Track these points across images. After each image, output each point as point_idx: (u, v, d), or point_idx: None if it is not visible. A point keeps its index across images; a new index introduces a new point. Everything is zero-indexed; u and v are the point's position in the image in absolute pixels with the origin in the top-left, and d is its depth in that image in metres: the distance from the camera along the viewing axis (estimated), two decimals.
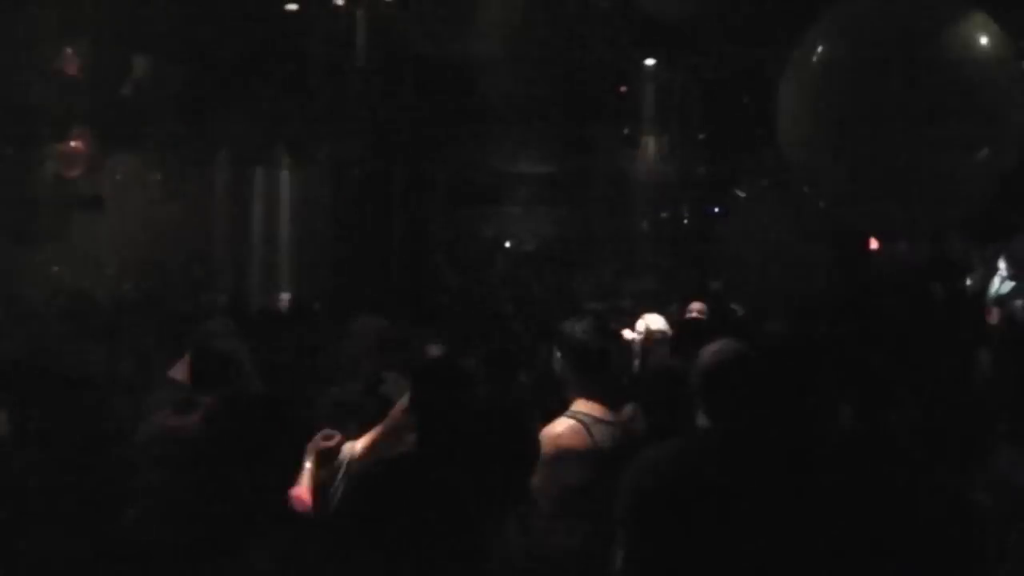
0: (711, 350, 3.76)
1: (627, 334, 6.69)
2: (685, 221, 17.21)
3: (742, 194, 14.15)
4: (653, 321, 7.00)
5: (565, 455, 4.02)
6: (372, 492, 3.24)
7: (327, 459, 4.28)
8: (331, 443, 4.34)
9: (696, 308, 8.09)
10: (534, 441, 3.41)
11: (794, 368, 3.96)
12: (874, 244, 15.00)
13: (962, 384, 5.04)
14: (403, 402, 4.28)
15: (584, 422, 4.18)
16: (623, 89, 15.82)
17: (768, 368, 4.35)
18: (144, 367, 6.18)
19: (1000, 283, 9.89)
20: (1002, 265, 10.07)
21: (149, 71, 11.30)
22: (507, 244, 17.78)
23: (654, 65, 14.90)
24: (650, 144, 15.84)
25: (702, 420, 3.71)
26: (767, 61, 12.89)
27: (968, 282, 10.41)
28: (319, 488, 4.22)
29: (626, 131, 16.20)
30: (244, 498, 3.37)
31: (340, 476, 4.27)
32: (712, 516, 3.14)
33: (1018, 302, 8.10)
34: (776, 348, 5.30)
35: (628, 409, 4.47)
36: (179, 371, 5.68)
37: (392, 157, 13.35)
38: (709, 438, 3.60)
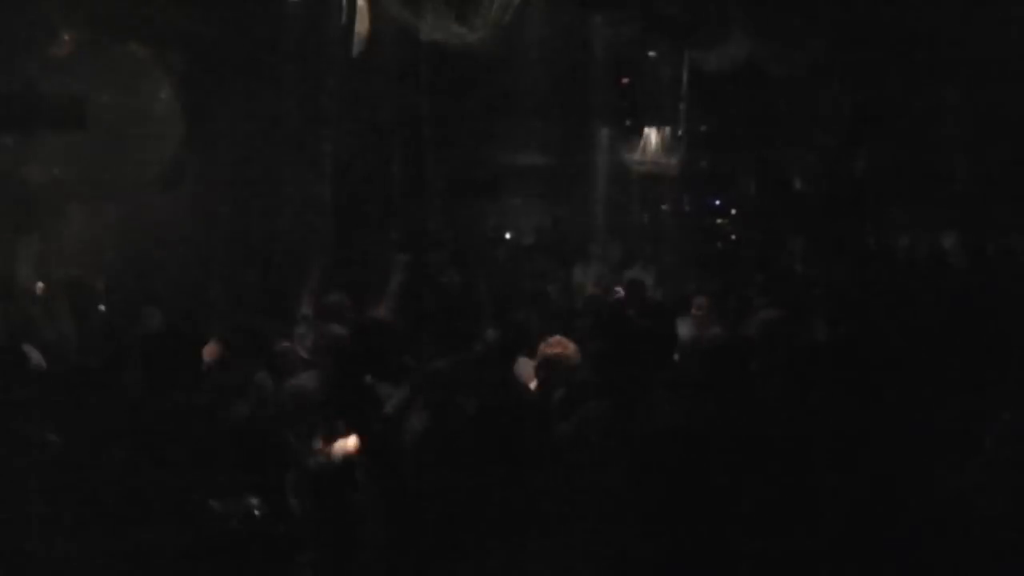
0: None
1: None
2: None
3: None
4: None
5: None
6: None
7: None
8: None
9: (697, 304, 8.04)
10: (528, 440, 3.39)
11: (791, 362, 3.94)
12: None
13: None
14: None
15: None
16: (625, 81, 15.78)
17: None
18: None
19: None
20: None
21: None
22: (507, 236, 17.76)
23: (656, 57, 14.85)
24: (652, 137, 15.79)
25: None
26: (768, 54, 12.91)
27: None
28: None
29: (628, 123, 16.15)
30: None
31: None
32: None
33: None
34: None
35: None
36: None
37: (391, 150, 13.31)
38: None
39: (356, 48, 9.60)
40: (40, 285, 8.77)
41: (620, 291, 9.40)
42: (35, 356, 5.71)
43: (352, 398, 3.98)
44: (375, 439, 3.76)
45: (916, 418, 3.77)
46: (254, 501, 4.47)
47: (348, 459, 4.70)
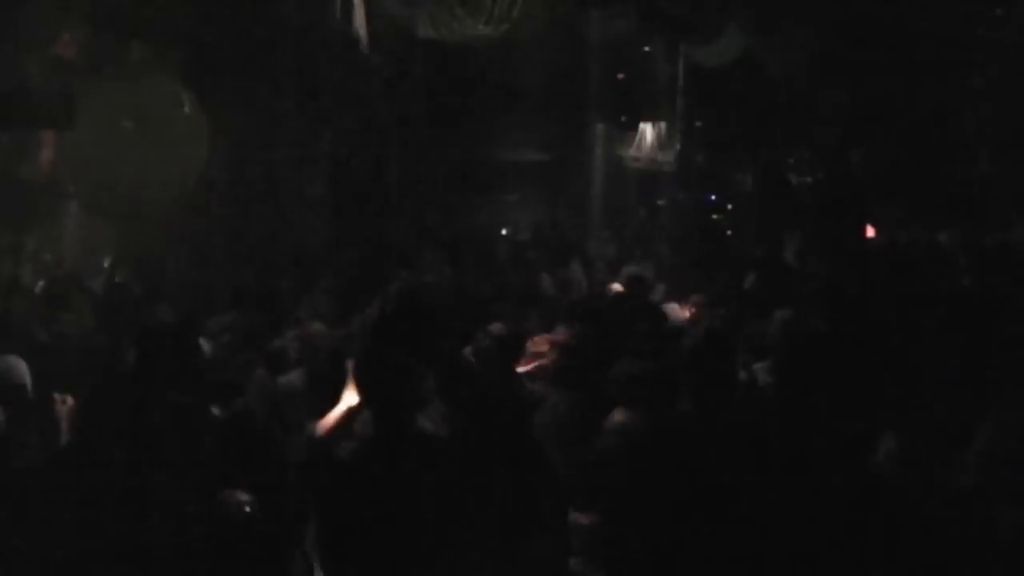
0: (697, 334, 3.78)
1: None
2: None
3: None
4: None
5: None
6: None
7: None
8: None
9: (695, 301, 8.05)
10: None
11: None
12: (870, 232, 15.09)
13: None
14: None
15: None
16: (621, 77, 15.79)
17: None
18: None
19: None
20: None
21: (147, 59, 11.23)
22: (503, 232, 17.74)
23: (652, 53, 14.87)
24: (647, 133, 15.82)
25: (684, 404, 3.73)
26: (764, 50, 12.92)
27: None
28: None
29: (623, 119, 16.17)
30: None
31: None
32: (677, 494, 3.15)
33: None
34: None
35: None
36: None
37: (388, 145, 13.32)
38: (682, 418, 3.60)
39: (361, 45, 9.58)
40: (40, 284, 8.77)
41: (617, 287, 9.36)
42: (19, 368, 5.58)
43: (380, 377, 3.80)
44: (395, 424, 3.63)
45: (915, 416, 3.79)
46: (244, 498, 4.47)
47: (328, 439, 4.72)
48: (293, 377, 5.94)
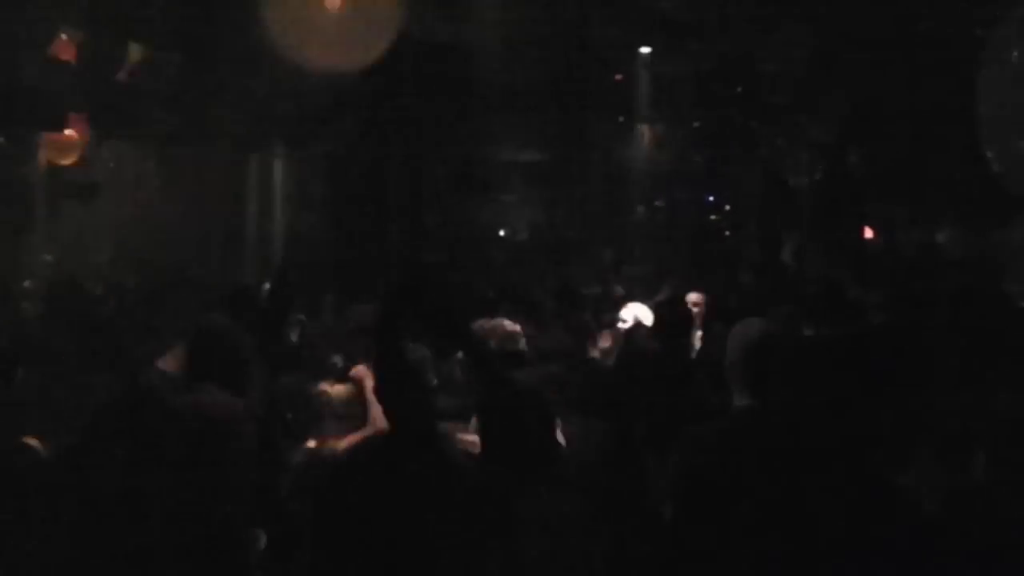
0: (745, 329, 3.77)
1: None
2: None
3: None
4: (639, 311, 6.98)
5: None
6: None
7: None
8: None
9: (693, 300, 8.02)
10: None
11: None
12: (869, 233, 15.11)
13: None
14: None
15: None
16: (619, 77, 15.79)
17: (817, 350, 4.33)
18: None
19: None
20: None
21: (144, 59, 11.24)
22: (501, 232, 17.75)
23: (650, 53, 14.86)
24: (645, 132, 15.84)
25: (740, 399, 3.71)
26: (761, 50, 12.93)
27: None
28: None
29: (621, 119, 16.18)
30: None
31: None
32: (758, 493, 3.13)
33: None
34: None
35: None
36: (168, 361, 5.66)
37: (386, 146, 13.30)
38: (754, 417, 3.59)
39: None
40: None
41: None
42: None
43: (391, 365, 3.61)
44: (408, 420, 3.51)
45: (918, 417, 3.78)
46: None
47: (349, 456, 4.69)
48: (294, 379, 5.93)
